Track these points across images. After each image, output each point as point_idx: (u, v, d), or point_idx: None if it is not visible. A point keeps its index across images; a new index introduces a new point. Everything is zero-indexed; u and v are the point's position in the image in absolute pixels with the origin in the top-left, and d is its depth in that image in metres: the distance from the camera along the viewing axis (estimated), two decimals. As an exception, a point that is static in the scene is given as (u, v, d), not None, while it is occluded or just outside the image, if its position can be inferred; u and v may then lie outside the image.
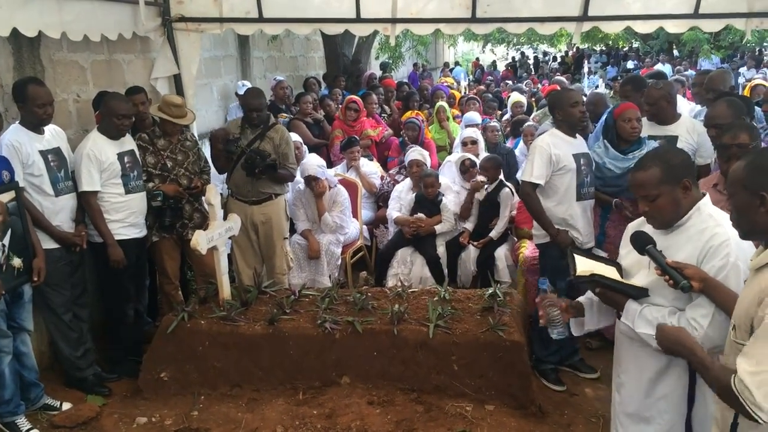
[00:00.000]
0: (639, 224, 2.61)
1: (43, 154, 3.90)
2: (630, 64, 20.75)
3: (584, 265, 2.53)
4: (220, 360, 4.10)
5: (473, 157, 5.89)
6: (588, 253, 2.80)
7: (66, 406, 4.04)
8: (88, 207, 4.14)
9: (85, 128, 4.81)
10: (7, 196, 3.55)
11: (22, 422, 3.76)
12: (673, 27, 5.19)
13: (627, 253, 2.60)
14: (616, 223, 4.39)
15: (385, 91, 9.36)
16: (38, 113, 3.82)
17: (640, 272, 2.50)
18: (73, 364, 4.24)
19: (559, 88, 8.27)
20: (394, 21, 5.21)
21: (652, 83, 4.77)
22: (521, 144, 6.82)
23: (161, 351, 4.15)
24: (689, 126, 4.43)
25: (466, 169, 5.79)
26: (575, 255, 2.63)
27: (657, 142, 4.29)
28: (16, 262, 3.62)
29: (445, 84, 12.27)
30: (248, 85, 7.46)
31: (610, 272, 2.53)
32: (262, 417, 3.85)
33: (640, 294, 2.43)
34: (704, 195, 2.42)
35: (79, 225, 4.14)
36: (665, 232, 2.43)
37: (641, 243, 2.40)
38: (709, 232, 2.31)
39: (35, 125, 3.89)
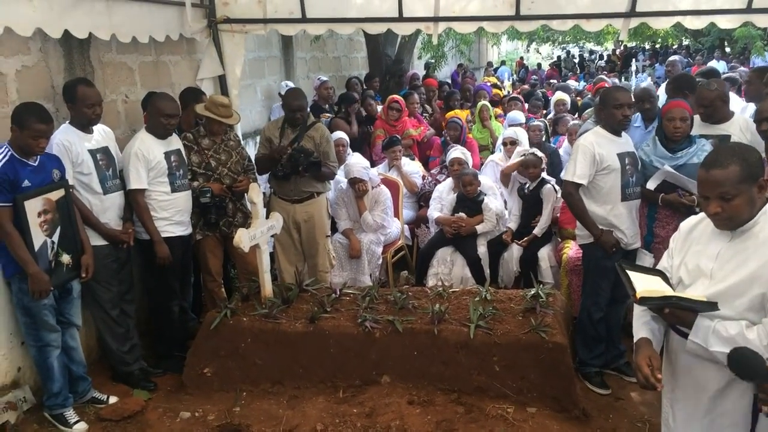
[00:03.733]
0: (697, 221, 2.45)
1: (92, 153, 3.99)
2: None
3: (642, 283, 2.35)
4: (261, 357, 4.14)
5: (540, 153, 5.59)
6: (634, 264, 2.66)
7: (113, 399, 4.12)
8: (135, 205, 4.23)
9: (133, 128, 4.92)
10: (57, 194, 3.65)
11: (70, 414, 3.86)
12: (725, 22, 4.99)
13: (683, 260, 2.42)
14: (664, 222, 4.26)
15: (427, 91, 9.34)
16: (88, 113, 3.91)
17: (699, 281, 2.32)
18: (119, 359, 4.32)
19: (605, 85, 8.12)
20: (436, 20, 5.17)
21: (703, 83, 4.62)
22: (565, 143, 6.69)
23: (204, 347, 4.22)
24: (742, 125, 4.28)
25: (528, 165, 5.54)
26: (628, 271, 2.44)
27: (709, 141, 4.17)
28: (65, 258, 3.73)
29: (488, 83, 12.16)
30: (291, 85, 7.53)
31: (661, 284, 2.37)
32: (303, 414, 3.87)
33: (710, 309, 2.21)
34: None
35: (126, 222, 4.22)
36: (729, 237, 2.27)
37: (751, 372, 2.07)
38: None
39: (85, 125, 3.98)
